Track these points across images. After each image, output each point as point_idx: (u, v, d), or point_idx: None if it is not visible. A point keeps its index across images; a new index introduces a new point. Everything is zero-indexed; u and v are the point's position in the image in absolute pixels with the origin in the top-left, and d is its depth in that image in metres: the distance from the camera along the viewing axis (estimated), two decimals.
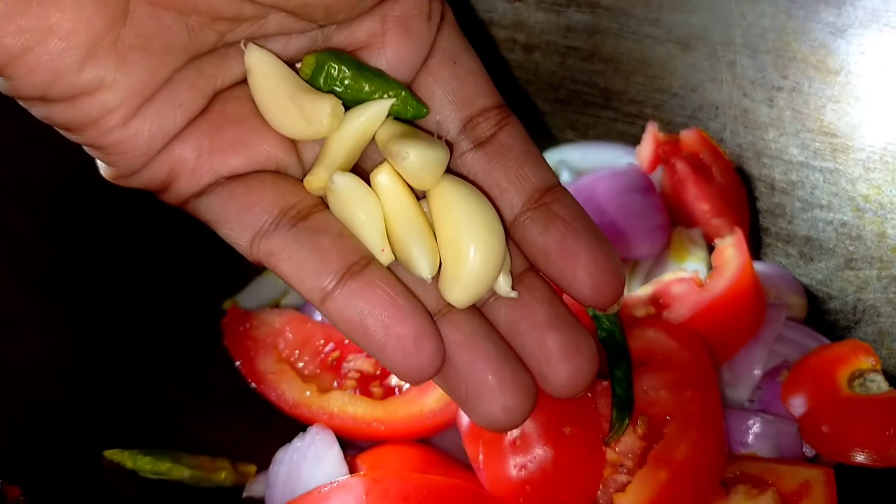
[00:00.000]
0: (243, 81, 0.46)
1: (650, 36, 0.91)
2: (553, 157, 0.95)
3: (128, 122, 0.42)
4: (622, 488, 0.61)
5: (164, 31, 0.41)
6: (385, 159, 0.45)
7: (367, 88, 0.45)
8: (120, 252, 0.83)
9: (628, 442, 0.63)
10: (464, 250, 0.43)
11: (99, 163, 0.46)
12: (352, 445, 0.70)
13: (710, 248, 0.83)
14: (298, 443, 0.68)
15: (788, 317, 0.78)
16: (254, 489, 0.70)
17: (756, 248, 0.87)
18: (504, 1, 0.94)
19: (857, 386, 0.69)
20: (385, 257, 0.45)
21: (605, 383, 0.66)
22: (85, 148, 0.45)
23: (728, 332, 0.72)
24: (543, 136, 0.98)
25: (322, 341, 0.75)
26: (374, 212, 0.44)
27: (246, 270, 0.85)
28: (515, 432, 0.61)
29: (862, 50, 0.79)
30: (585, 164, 0.92)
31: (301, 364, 0.74)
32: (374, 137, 0.46)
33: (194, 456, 0.69)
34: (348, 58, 0.46)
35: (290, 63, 0.47)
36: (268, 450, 0.70)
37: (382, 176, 0.44)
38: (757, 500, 0.61)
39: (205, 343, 0.78)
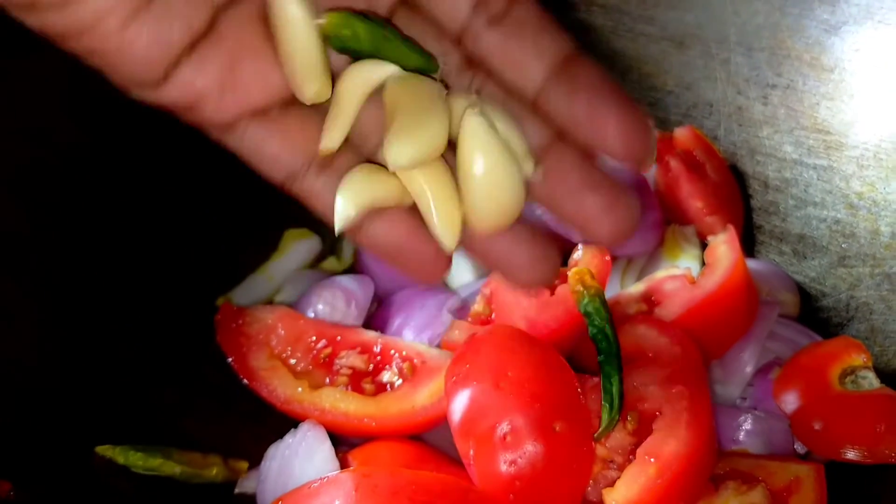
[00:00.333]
0: None
1: (645, 34, 0.91)
2: None
3: (124, 28, 0.42)
4: (612, 484, 0.61)
5: None
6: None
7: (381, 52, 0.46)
8: (112, 248, 0.83)
9: (618, 438, 0.63)
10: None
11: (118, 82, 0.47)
12: (343, 442, 0.70)
13: (704, 246, 0.83)
14: (290, 439, 0.68)
15: (781, 314, 0.78)
16: (245, 485, 0.71)
17: (749, 245, 0.87)
18: None
19: (849, 383, 0.69)
20: None
21: (596, 379, 0.66)
22: (88, 61, 0.45)
23: (720, 329, 0.72)
24: None
25: (314, 338, 0.76)
26: None
27: (240, 267, 0.86)
28: (505, 428, 0.61)
29: (856, 47, 0.79)
30: None
31: (293, 360, 0.74)
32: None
33: (186, 452, 0.69)
34: (369, 21, 0.46)
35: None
36: (259, 446, 0.70)
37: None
38: (747, 497, 0.61)
39: (197, 340, 0.78)
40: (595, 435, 0.63)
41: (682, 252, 0.85)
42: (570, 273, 0.72)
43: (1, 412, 0.66)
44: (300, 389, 0.70)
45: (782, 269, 0.84)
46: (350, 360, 0.72)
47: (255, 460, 0.71)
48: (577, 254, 0.79)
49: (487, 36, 0.47)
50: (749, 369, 0.73)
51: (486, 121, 0.45)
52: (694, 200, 0.85)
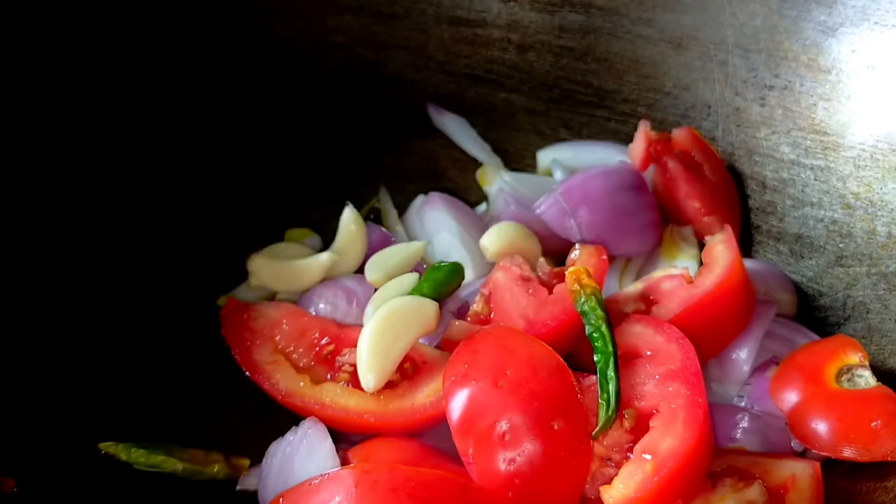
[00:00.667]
0: None
1: (643, 36, 0.92)
2: (546, 155, 0.96)
3: None
4: (610, 481, 0.61)
5: None
6: None
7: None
8: (115, 247, 0.84)
9: (615, 435, 0.64)
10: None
11: None
12: (344, 439, 0.71)
13: (702, 246, 0.83)
14: (291, 436, 0.69)
15: (778, 313, 0.79)
16: (247, 482, 0.71)
17: (747, 245, 0.88)
18: (498, 1, 0.95)
19: (846, 381, 0.70)
20: None
21: (593, 378, 0.67)
22: None
23: (717, 328, 0.73)
24: (538, 135, 0.99)
25: (317, 335, 0.76)
26: None
27: (242, 267, 0.86)
28: (504, 426, 0.62)
29: (853, 48, 0.79)
30: (578, 162, 0.93)
31: (296, 356, 0.75)
32: None
33: (188, 449, 0.70)
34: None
35: None
36: (261, 444, 0.71)
37: None
38: (743, 493, 0.61)
39: (200, 339, 0.79)
40: (593, 433, 0.64)
41: (680, 252, 0.85)
42: (567, 272, 0.73)
43: (4, 409, 0.67)
44: (302, 384, 0.71)
45: (780, 268, 0.85)
46: (352, 357, 0.72)
47: (257, 458, 0.71)
48: (574, 253, 0.79)
49: None
50: (746, 368, 0.74)
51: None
52: (692, 201, 0.86)
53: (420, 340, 0.74)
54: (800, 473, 0.63)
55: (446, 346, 0.74)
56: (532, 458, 0.61)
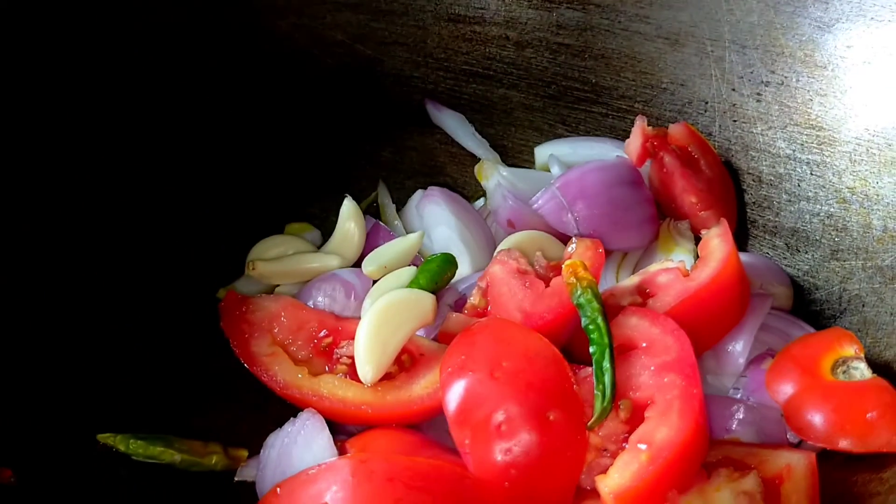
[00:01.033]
0: None
1: (640, 32, 0.92)
2: (544, 151, 0.96)
3: None
4: (606, 472, 0.61)
5: None
6: None
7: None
8: (115, 240, 0.84)
9: (611, 426, 0.64)
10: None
11: None
12: (341, 431, 0.71)
13: (698, 241, 0.83)
14: (289, 427, 0.69)
15: (774, 307, 0.79)
16: (245, 473, 0.71)
17: (743, 240, 0.88)
18: None
19: (841, 373, 0.70)
20: None
21: (589, 370, 0.67)
22: None
23: (712, 320, 0.73)
24: (535, 132, 0.99)
25: (316, 327, 0.77)
26: None
27: (240, 262, 0.87)
28: (501, 417, 0.62)
29: (849, 44, 0.80)
30: (576, 158, 0.93)
31: (294, 348, 0.75)
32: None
33: (186, 440, 0.70)
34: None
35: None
36: (259, 436, 0.72)
37: None
38: (739, 484, 0.61)
39: (199, 331, 0.79)
40: (588, 424, 0.64)
41: (677, 246, 0.86)
42: (563, 266, 0.73)
43: (3, 400, 0.67)
44: (300, 375, 0.72)
45: (775, 262, 0.85)
46: (350, 349, 0.73)
47: (255, 449, 0.72)
48: (571, 247, 0.80)
49: None
50: (742, 360, 0.74)
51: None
52: (688, 195, 0.86)
53: (417, 333, 0.75)
54: (795, 464, 0.63)
55: (443, 338, 0.74)
56: (528, 449, 0.62)
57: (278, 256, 0.85)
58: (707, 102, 0.90)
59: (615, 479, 0.59)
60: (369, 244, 0.87)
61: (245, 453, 0.72)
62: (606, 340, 0.66)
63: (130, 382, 0.77)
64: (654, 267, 0.78)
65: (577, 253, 0.78)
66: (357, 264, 0.85)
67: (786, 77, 0.84)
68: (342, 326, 0.76)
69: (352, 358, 0.72)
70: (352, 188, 0.92)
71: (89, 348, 0.77)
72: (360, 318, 0.77)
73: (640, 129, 0.88)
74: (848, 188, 0.80)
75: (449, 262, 0.77)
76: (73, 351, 0.76)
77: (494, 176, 0.90)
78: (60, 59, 0.83)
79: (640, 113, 0.93)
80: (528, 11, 0.95)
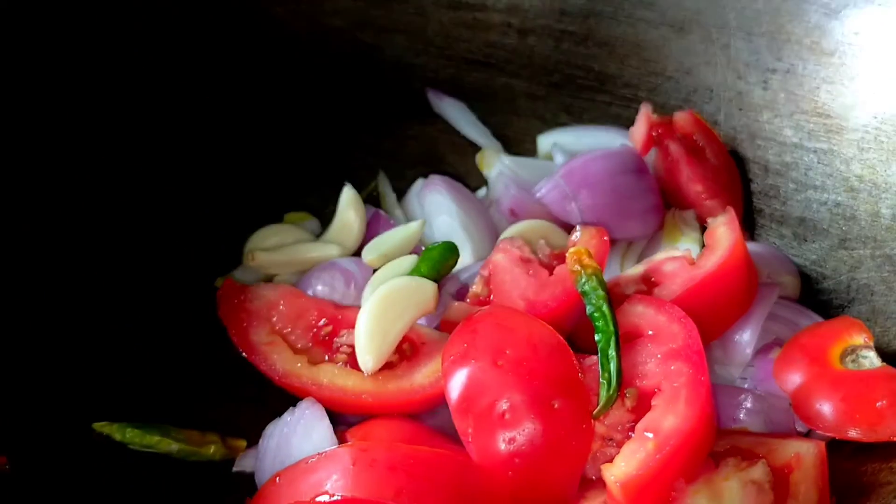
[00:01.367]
0: None
1: (644, 19, 0.91)
2: (547, 140, 0.95)
3: None
4: (611, 461, 0.60)
5: None
6: None
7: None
8: (114, 230, 0.83)
9: (617, 415, 0.63)
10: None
11: None
12: (341, 422, 0.70)
13: (704, 230, 0.82)
14: (288, 417, 0.68)
15: (782, 296, 0.78)
16: (243, 463, 0.70)
17: (750, 229, 0.87)
18: None
19: (850, 362, 0.69)
20: None
21: (595, 358, 0.66)
22: None
23: (719, 309, 0.72)
24: (538, 120, 0.98)
25: (315, 316, 0.76)
26: None
27: (239, 251, 0.86)
28: (504, 405, 0.61)
29: (856, 30, 0.79)
30: (580, 146, 0.92)
31: (293, 337, 0.74)
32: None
33: (183, 430, 0.69)
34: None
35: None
36: (257, 426, 0.71)
37: None
38: (747, 473, 0.60)
39: (197, 321, 0.78)
40: (594, 412, 0.63)
41: (682, 235, 0.85)
42: (568, 253, 0.72)
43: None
44: (299, 364, 0.70)
45: (782, 251, 0.84)
46: (350, 338, 0.72)
47: (254, 439, 0.71)
48: (576, 234, 0.79)
49: None
50: (749, 350, 0.73)
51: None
52: (694, 184, 0.85)
53: (419, 322, 0.74)
54: (804, 453, 0.62)
55: (445, 327, 0.73)
56: (532, 438, 0.61)
57: (277, 246, 0.84)
58: (713, 90, 0.89)
59: (621, 467, 0.58)
60: (369, 233, 0.86)
61: (243, 443, 0.71)
62: (612, 328, 0.65)
63: (127, 372, 0.76)
64: (659, 255, 0.77)
65: (582, 241, 0.77)
66: (357, 253, 0.84)
67: (792, 64, 0.83)
68: (342, 315, 0.75)
69: (352, 347, 0.71)
70: (351, 177, 0.91)
71: (86, 337, 0.76)
72: (360, 306, 0.76)
73: (644, 116, 0.87)
74: (856, 176, 0.79)
75: (451, 251, 0.76)
76: (69, 340, 0.75)
77: (496, 165, 0.89)
78: (60, 50, 0.82)
79: (645, 101, 0.92)
80: None
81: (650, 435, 0.59)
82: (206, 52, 0.93)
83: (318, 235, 0.88)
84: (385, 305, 0.69)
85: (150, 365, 0.77)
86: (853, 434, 0.64)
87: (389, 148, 0.98)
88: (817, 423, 0.66)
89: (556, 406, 0.62)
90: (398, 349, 0.70)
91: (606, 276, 0.73)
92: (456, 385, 0.63)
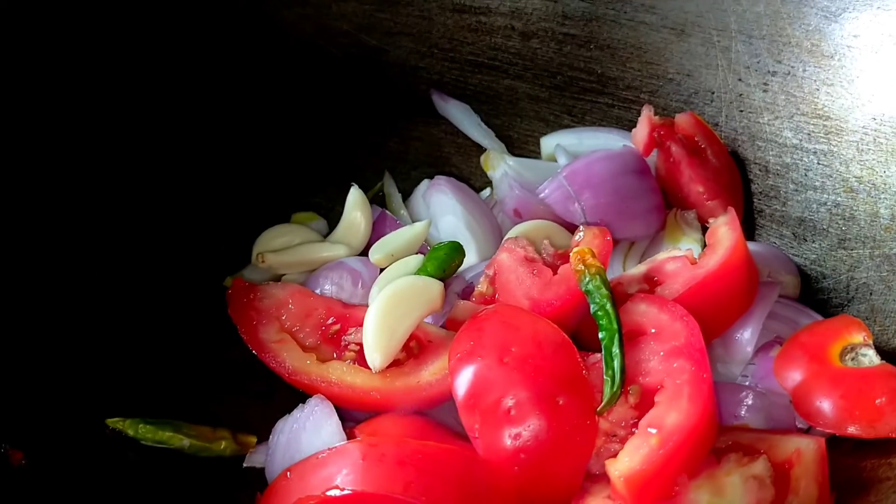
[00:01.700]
0: None
1: (646, 23, 0.92)
2: (550, 141, 0.96)
3: None
4: (615, 456, 0.61)
5: None
6: None
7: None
8: (127, 229, 0.84)
9: (620, 412, 0.64)
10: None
11: None
12: (350, 418, 0.71)
13: (705, 230, 0.84)
14: (298, 413, 0.69)
15: (782, 295, 0.79)
16: (254, 459, 0.71)
17: (750, 229, 0.88)
18: None
19: (849, 360, 0.70)
20: None
21: (598, 356, 0.67)
22: None
23: (720, 307, 0.73)
24: (541, 122, 0.99)
25: (323, 314, 0.77)
26: None
27: (248, 251, 0.87)
28: (510, 402, 0.62)
29: (855, 33, 0.80)
30: (582, 148, 0.93)
31: (302, 335, 0.75)
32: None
33: (195, 426, 0.70)
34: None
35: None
36: (267, 422, 0.72)
37: None
38: (749, 468, 0.61)
39: (208, 320, 0.79)
40: (598, 409, 0.64)
41: (684, 236, 0.86)
42: (571, 253, 0.73)
43: (16, 385, 0.67)
44: (308, 362, 0.71)
45: (783, 251, 0.85)
46: (358, 336, 0.73)
47: (264, 436, 0.72)
48: (579, 234, 0.80)
49: None
50: (750, 348, 0.74)
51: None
52: (695, 185, 0.86)
53: (426, 320, 0.75)
54: (805, 448, 0.63)
55: (451, 326, 0.74)
56: (537, 434, 0.62)
57: (285, 246, 0.86)
58: (713, 93, 0.90)
59: (625, 462, 0.59)
60: (375, 233, 0.87)
61: (254, 439, 0.72)
62: (615, 326, 0.66)
63: (140, 370, 0.77)
64: (661, 255, 0.78)
65: (585, 241, 0.78)
66: (363, 253, 0.86)
67: (792, 67, 0.84)
68: (350, 313, 0.76)
69: (360, 345, 0.72)
70: (357, 178, 0.92)
71: (99, 335, 0.77)
72: (367, 305, 0.77)
73: (646, 118, 0.88)
74: (855, 177, 0.80)
75: (456, 250, 0.77)
76: (83, 338, 0.76)
77: (501, 166, 0.90)
78: (75, 49, 0.83)
79: (647, 103, 0.93)
80: (534, 1, 0.95)
81: (653, 431, 0.60)
82: (214, 54, 0.94)
83: (325, 235, 0.89)
84: (392, 304, 0.70)
85: (163, 362, 0.78)
86: (853, 430, 0.65)
87: (395, 149, 0.99)
88: (817, 419, 0.67)
89: (560, 403, 0.63)
90: (405, 347, 0.72)
91: (609, 276, 0.74)
92: (462, 382, 0.64)
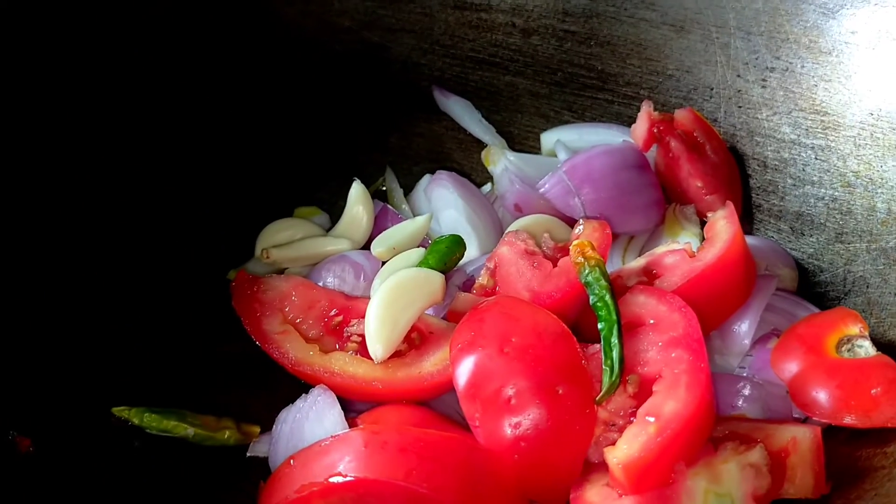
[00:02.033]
0: None
1: (646, 19, 0.93)
2: (551, 137, 0.97)
3: None
4: (614, 444, 0.62)
5: None
6: None
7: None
8: (133, 222, 0.85)
9: (619, 401, 0.65)
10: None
11: None
12: (352, 408, 0.72)
13: (704, 224, 0.84)
14: (301, 403, 0.70)
15: (780, 288, 0.80)
16: (257, 448, 0.72)
17: (748, 224, 0.89)
18: None
19: (846, 351, 0.71)
20: None
21: (598, 347, 0.68)
22: None
23: (718, 300, 0.74)
24: (541, 118, 1.00)
25: (326, 306, 0.77)
26: None
27: (251, 244, 0.88)
28: (510, 391, 0.63)
29: (853, 29, 0.80)
30: (582, 143, 0.94)
31: (305, 326, 0.76)
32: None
33: (199, 415, 0.71)
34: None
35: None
36: (271, 413, 0.72)
37: None
38: (745, 456, 0.62)
39: (212, 311, 0.80)
40: (597, 398, 0.65)
41: (683, 230, 0.86)
42: (571, 246, 0.74)
43: (24, 374, 0.68)
44: (311, 353, 0.72)
45: (780, 245, 0.86)
46: (360, 327, 0.74)
47: (267, 426, 0.73)
48: (579, 228, 0.80)
49: None
50: (747, 340, 0.75)
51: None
52: (694, 180, 0.87)
53: (427, 312, 0.75)
54: (801, 437, 0.64)
55: (452, 318, 0.75)
56: (537, 423, 0.62)
57: (288, 240, 0.86)
58: (712, 89, 0.91)
59: (623, 450, 0.60)
60: (377, 227, 0.88)
61: (257, 429, 0.73)
62: (614, 317, 0.67)
63: (145, 360, 0.77)
64: (660, 249, 0.79)
65: (585, 234, 0.79)
66: (365, 247, 0.86)
67: (791, 63, 0.85)
68: (352, 305, 0.77)
69: (362, 336, 0.73)
70: (359, 173, 0.93)
71: (106, 327, 0.78)
72: (369, 297, 0.78)
73: (646, 113, 0.89)
74: (852, 172, 0.81)
75: (457, 243, 0.78)
76: (90, 329, 0.77)
77: (501, 161, 0.91)
78: (69, 44, 0.84)
79: (646, 99, 0.93)
80: None
81: (651, 419, 0.61)
82: (217, 51, 0.95)
83: (327, 230, 0.89)
84: (394, 296, 0.71)
85: (168, 353, 0.79)
86: (848, 420, 0.66)
87: (397, 144, 1.00)
88: (813, 410, 0.68)
89: (560, 392, 0.64)
90: (407, 338, 0.72)
91: (609, 270, 0.75)
92: (464, 372, 0.65)
